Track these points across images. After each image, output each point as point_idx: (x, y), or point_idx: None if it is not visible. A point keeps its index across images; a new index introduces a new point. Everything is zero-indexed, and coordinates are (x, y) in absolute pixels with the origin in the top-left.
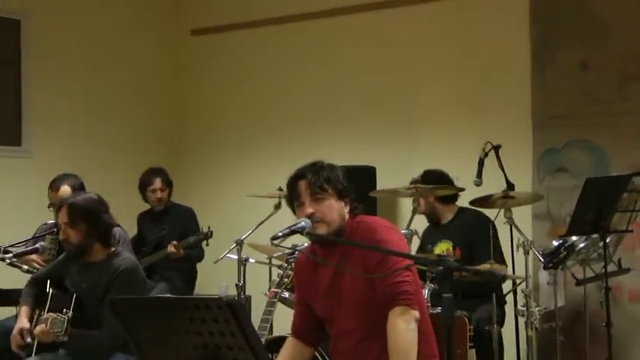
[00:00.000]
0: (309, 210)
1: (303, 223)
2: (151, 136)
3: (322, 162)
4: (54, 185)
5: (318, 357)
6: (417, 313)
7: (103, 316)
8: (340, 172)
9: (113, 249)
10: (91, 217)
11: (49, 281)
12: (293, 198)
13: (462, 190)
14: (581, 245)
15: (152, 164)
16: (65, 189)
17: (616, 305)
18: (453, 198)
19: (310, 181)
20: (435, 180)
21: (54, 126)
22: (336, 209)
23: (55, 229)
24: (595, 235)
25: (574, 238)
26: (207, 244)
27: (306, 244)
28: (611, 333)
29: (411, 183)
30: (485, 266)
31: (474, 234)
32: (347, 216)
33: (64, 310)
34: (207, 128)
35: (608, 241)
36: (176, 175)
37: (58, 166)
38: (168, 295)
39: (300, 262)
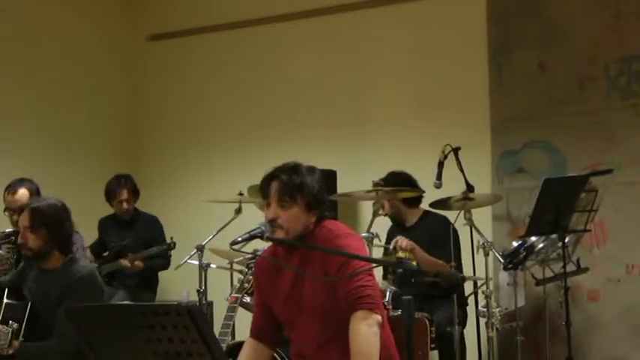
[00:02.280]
0: (272, 215)
1: (262, 228)
2: (109, 143)
3: (301, 166)
4: (10, 189)
5: (277, 358)
6: (379, 317)
7: (54, 326)
8: (318, 178)
9: (70, 255)
10: (53, 223)
11: (6, 291)
12: (263, 196)
13: (422, 192)
14: (541, 245)
15: (110, 171)
16: (23, 192)
17: (575, 304)
18: (418, 201)
19: (281, 186)
20: (399, 182)
21: (7, 132)
22: (300, 219)
23: (13, 238)
24: (554, 236)
25: (533, 238)
26: (170, 255)
27: (267, 247)
28: (570, 332)
29: (373, 186)
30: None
31: (433, 237)
32: (311, 226)
33: (10, 322)
34: (167, 134)
35: (566, 241)
36: (135, 180)
37: (14, 172)
38: (126, 302)
39: (261, 265)
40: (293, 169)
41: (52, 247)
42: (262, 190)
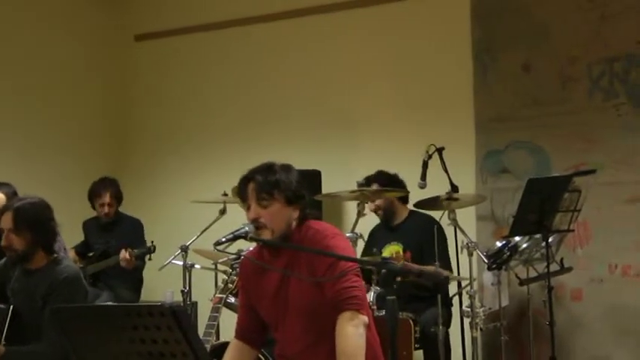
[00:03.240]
0: (254, 215)
1: (246, 228)
2: (94, 143)
3: (275, 164)
4: None
5: (262, 359)
6: (365, 318)
7: (42, 327)
8: (295, 175)
9: (55, 255)
10: (36, 223)
11: None
12: (242, 199)
13: (407, 192)
14: (524, 245)
15: (95, 171)
16: (0, 197)
17: (559, 304)
18: (407, 200)
19: (257, 185)
20: (390, 180)
21: None
22: (282, 215)
23: None
24: (538, 236)
25: (517, 238)
26: (150, 259)
27: (252, 248)
28: (554, 332)
29: (358, 186)
30: (429, 268)
31: (424, 237)
32: (294, 222)
33: None
34: (152, 134)
35: (550, 241)
36: (120, 181)
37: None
38: (110, 303)
39: (246, 265)
40: (267, 168)
41: (37, 247)
42: (240, 194)
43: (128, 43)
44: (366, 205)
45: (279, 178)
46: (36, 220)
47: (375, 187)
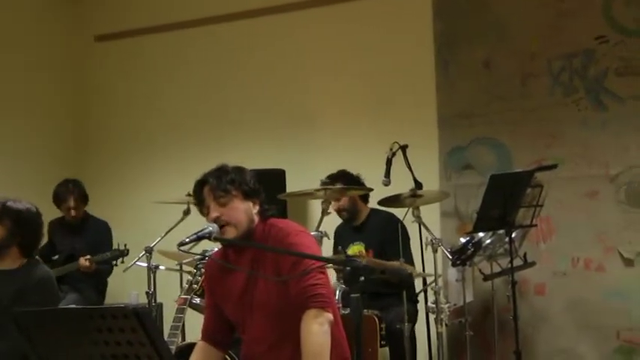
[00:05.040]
0: (214, 214)
1: (210, 228)
2: (56, 145)
3: (227, 165)
4: None
5: None
6: (330, 316)
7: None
8: (248, 174)
9: (30, 259)
10: (19, 217)
11: None
12: (199, 204)
13: (371, 190)
14: (488, 241)
15: (59, 173)
16: None
17: (523, 299)
18: (367, 199)
19: (213, 185)
20: (352, 179)
21: None
22: (242, 210)
23: None
24: (501, 231)
25: (481, 234)
26: (123, 262)
27: (216, 249)
28: (518, 326)
29: (322, 185)
30: (393, 264)
31: (385, 235)
32: (256, 217)
33: None
34: (115, 135)
35: (513, 236)
36: (82, 182)
37: None
38: (73, 305)
39: (211, 266)
40: (219, 169)
41: (12, 241)
42: (196, 198)
43: (88, 43)
44: (330, 205)
45: (233, 176)
46: (18, 214)
47: (339, 184)
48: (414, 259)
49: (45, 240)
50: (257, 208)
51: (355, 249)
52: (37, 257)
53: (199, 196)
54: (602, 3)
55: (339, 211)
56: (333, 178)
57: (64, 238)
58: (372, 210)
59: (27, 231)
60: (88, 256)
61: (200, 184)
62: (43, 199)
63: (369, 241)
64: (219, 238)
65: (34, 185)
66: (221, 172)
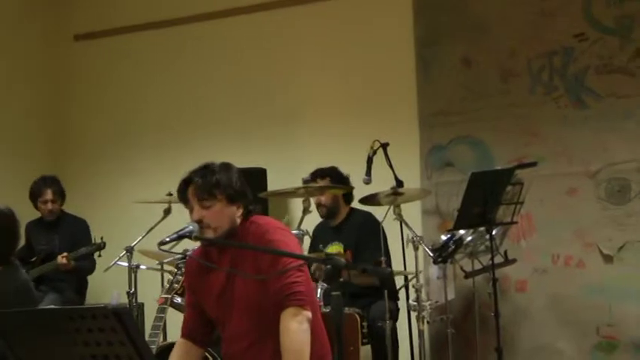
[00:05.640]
0: (197, 216)
1: (190, 228)
2: (35, 144)
3: (214, 164)
4: None
5: (209, 358)
6: (309, 314)
7: None
8: (235, 173)
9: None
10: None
11: None
12: (183, 202)
13: (352, 189)
14: (469, 238)
15: (37, 173)
16: None
17: (504, 296)
18: (350, 201)
19: (198, 187)
20: (341, 178)
21: None
22: (225, 215)
23: None
24: (482, 228)
25: (462, 231)
26: (100, 255)
27: (197, 246)
28: (499, 323)
29: (304, 182)
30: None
31: (363, 235)
32: (239, 220)
33: None
34: (94, 134)
35: (494, 233)
36: (62, 181)
37: None
38: (53, 306)
39: (191, 264)
40: (205, 168)
41: None
42: (180, 197)
43: (67, 43)
44: (311, 198)
45: (219, 178)
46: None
47: (327, 180)
48: (395, 257)
49: (22, 242)
50: (241, 211)
51: (333, 249)
52: (15, 262)
53: (184, 195)
54: (582, 1)
55: (318, 205)
56: (321, 173)
57: (42, 238)
58: (352, 209)
59: (0, 237)
60: (65, 254)
61: (185, 183)
62: (21, 200)
63: (347, 241)
64: (200, 237)
65: (11, 186)
66: (207, 172)
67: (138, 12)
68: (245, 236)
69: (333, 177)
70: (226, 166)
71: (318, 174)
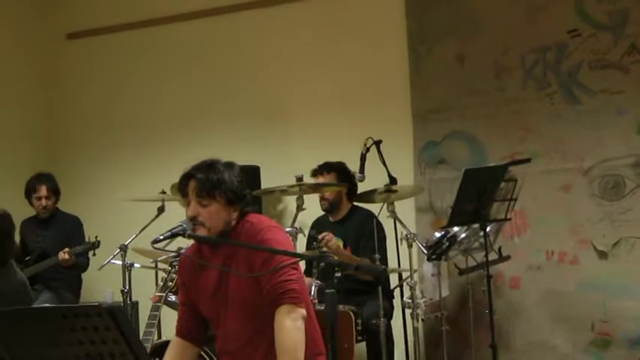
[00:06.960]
0: (192, 212)
1: (183, 226)
2: (27, 143)
3: (218, 162)
4: None
5: (205, 357)
6: (303, 311)
7: None
8: (237, 174)
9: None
10: None
11: None
12: (182, 195)
13: (346, 186)
14: (463, 235)
15: (30, 171)
16: None
17: (498, 292)
18: (352, 198)
19: (198, 184)
20: (347, 176)
21: None
22: (221, 216)
23: None
24: (476, 225)
25: (456, 228)
26: (95, 254)
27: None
28: (493, 319)
29: (317, 168)
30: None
31: (364, 235)
32: (234, 221)
33: None
34: (87, 132)
35: (488, 230)
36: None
37: None
38: (47, 304)
39: (185, 262)
40: (209, 166)
41: None
42: (180, 190)
43: (59, 41)
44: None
45: (221, 178)
46: None
47: (333, 175)
48: (389, 255)
49: (17, 241)
50: (237, 213)
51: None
52: (11, 262)
53: (184, 189)
54: None
55: (321, 199)
56: (329, 167)
57: (35, 235)
58: (354, 206)
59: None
60: (67, 249)
61: (186, 178)
62: (14, 198)
63: (348, 237)
64: (193, 235)
65: (5, 184)
66: (210, 170)
67: (131, 10)
68: (238, 235)
69: (340, 172)
70: (230, 166)
71: (324, 168)
